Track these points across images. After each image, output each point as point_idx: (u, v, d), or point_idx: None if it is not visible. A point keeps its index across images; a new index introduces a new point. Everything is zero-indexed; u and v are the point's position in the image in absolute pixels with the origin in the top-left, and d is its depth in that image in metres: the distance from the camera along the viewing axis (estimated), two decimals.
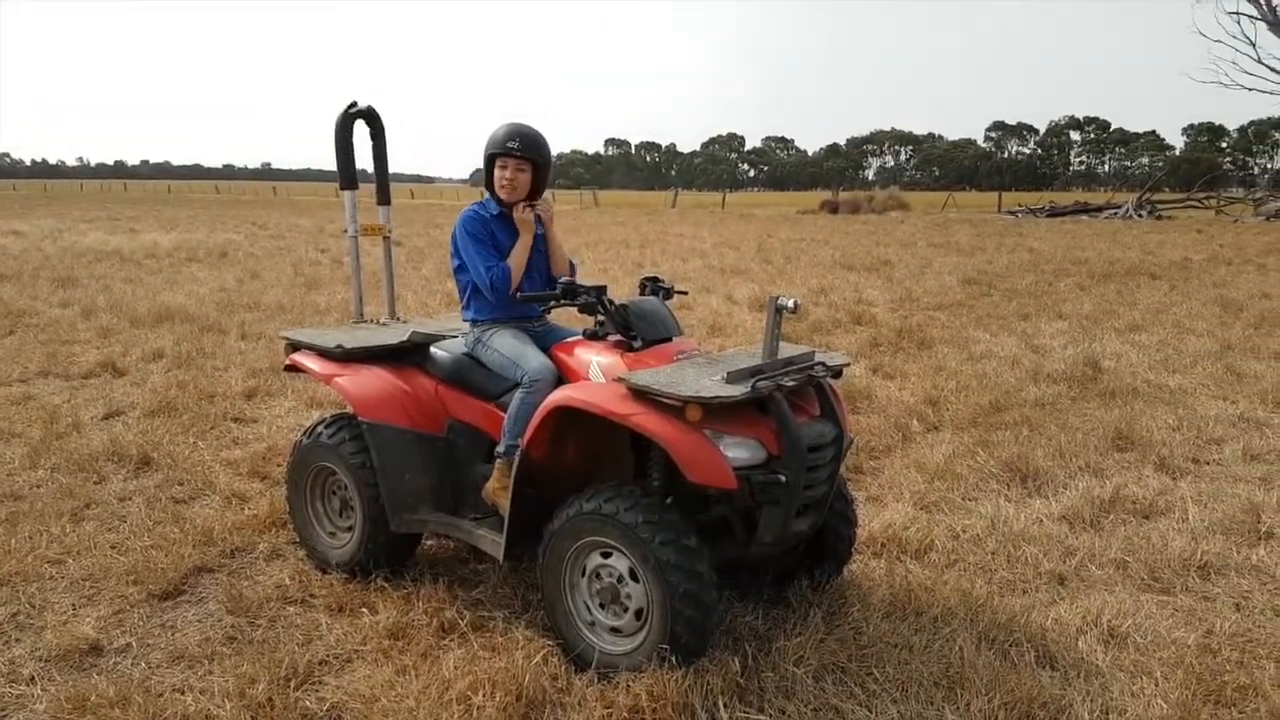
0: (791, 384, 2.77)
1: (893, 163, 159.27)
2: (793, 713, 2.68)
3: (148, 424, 5.59)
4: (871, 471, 4.93)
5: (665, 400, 2.67)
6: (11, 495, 4.44)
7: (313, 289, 11.92)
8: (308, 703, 2.75)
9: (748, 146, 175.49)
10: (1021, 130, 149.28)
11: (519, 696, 2.68)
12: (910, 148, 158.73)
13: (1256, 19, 32.78)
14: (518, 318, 3.48)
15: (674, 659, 2.70)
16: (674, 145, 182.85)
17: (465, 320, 3.57)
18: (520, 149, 3.37)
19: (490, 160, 3.43)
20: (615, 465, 3.25)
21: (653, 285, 3.44)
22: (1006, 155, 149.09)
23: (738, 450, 2.69)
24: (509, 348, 3.32)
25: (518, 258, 3.41)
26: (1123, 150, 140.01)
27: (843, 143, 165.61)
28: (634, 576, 2.79)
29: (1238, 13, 33.82)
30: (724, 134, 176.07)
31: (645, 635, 2.80)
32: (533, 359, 3.23)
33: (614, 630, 2.90)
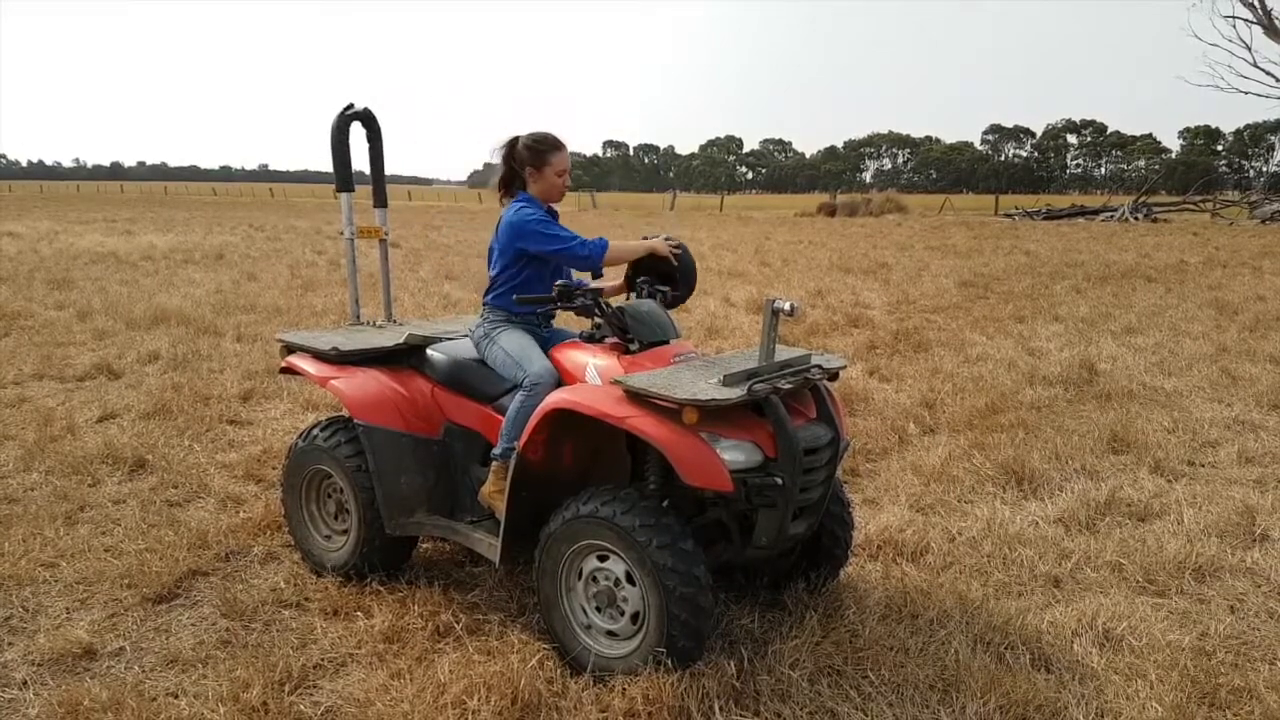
0: (788, 387, 2.77)
1: (890, 165, 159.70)
2: (788, 716, 2.68)
3: (143, 426, 5.58)
4: (868, 474, 4.93)
5: (662, 403, 2.67)
6: (5, 498, 4.43)
7: (309, 291, 11.91)
8: (302, 707, 2.74)
9: (746, 149, 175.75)
10: (1018, 133, 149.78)
11: (514, 700, 2.67)
12: (907, 150, 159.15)
13: (1252, 23, 32.84)
14: (527, 314, 3.46)
15: (670, 662, 2.70)
16: (672, 147, 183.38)
17: (485, 304, 3.50)
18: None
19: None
20: (612, 468, 3.25)
21: (650, 288, 3.43)
22: (1003, 158, 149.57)
23: (734, 453, 2.68)
24: (515, 347, 3.31)
25: (621, 247, 3.37)
26: (1119, 153, 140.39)
27: (840, 145, 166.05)
28: (630, 580, 2.79)
29: (1234, 16, 33.95)
30: (722, 136, 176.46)
31: (641, 638, 2.80)
32: (536, 361, 3.23)
33: (610, 633, 2.89)
